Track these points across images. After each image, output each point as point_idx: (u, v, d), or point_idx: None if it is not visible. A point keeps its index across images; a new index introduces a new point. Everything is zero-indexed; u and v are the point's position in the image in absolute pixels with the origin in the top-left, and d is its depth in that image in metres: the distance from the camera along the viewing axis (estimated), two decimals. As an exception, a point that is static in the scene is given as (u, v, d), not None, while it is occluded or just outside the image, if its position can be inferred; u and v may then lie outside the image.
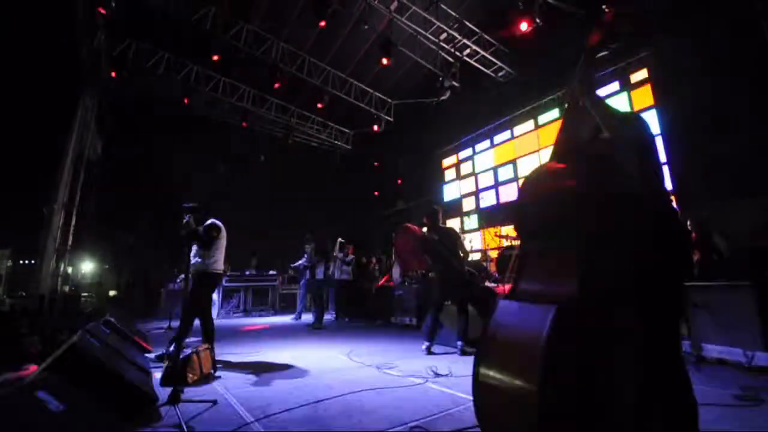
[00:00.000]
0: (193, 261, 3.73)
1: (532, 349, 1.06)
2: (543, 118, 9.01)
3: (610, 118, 1.46)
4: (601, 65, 1.67)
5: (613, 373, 1.16)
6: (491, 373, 1.18)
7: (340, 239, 8.02)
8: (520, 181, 9.10)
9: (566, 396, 1.06)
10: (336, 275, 7.87)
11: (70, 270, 9.96)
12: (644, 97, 6.90)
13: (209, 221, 3.87)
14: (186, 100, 9.66)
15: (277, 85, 9.03)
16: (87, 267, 15.84)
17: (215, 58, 7.66)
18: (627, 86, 7.23)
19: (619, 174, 1.35)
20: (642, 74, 7.01)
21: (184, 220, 3.74)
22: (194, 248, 3.80)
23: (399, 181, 13.10)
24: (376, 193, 14.06)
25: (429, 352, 3.98)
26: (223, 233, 3.94)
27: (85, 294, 11.88)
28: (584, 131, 1.55)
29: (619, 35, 1.52)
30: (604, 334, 1.15)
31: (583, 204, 1.23)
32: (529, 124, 9.28)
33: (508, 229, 8.36)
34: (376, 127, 10.80)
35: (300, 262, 7.70)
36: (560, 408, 1.04)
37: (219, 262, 3.87)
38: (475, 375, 1.21)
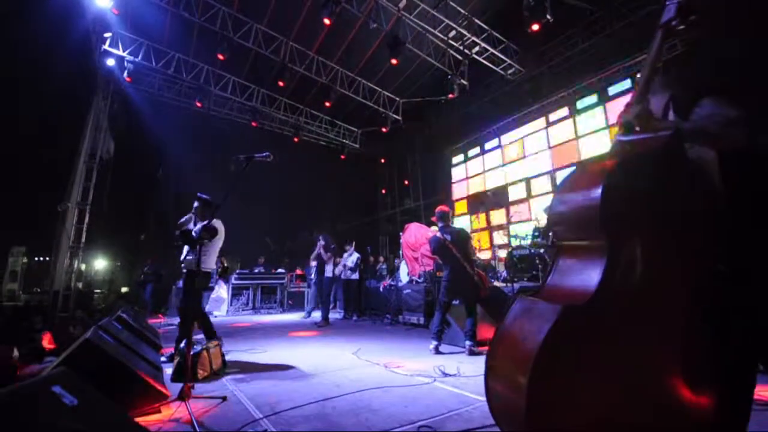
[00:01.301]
0: (188, 258, 3.80)
1: (531, 347, 1.07)
2: (553, 116, 8.93)
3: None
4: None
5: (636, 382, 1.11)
6: (497, 366, 1.22)
7: (347, 246, 7.91)
8: (530, 181, 8.94)
9: (560, 397, 1.06)
10: (342, 276, 7.85)
11: (83, 267, 10.15)
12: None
13: (207, 222, 3.67)
14: (199, 104, 9.77)
15: (328, 105, 9.38)
16: (100, 264, 16.15)
17: (221, 57, 7.71)
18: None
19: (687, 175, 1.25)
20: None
21: (184, 218, 3.90)
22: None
23: (406, 182, 13.09)
24: (383, 190, 14.06)
25: (437, 351, 3.97)
26: (220, 236, 3.92)
27: (98, 291, 12.12)
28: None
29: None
30: (639, 342, 1.12)
31: (621, 202, 1.17)
32: (540, 122, 9.20)
33: (517, 228, 8.30)
34: (385, 129, 10.80)
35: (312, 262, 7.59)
36: (552, 409, 1.04)
37: (208, 262, 3.87)
38: (486, 368, 1.25)
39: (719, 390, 1.19)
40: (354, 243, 8.04)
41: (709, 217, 1.22)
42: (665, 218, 1.21)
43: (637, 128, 1.32)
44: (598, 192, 1.16)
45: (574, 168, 1.48)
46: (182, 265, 3.86)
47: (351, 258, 7.80)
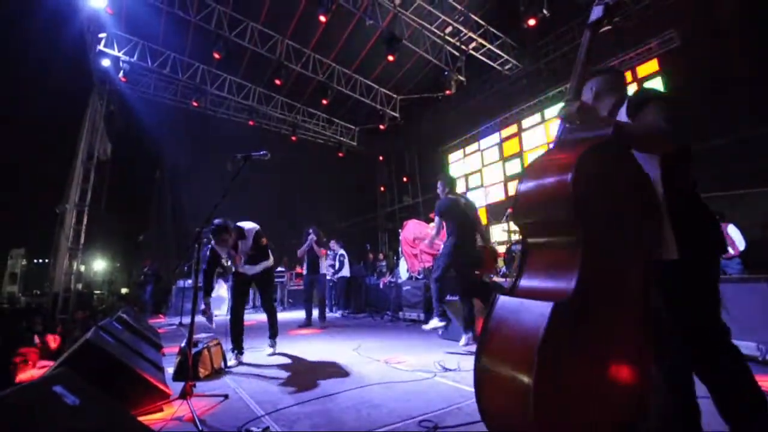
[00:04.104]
0: (255, 268, 3.87)
1: (530, 347, 1.09)
2: (550, 112, 8.91)
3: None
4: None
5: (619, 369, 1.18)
6: (490, 368, 1.23)
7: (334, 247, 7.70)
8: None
9: (564, 391, 1.09)
10: (329, 276, 7.73)
11: (82, 268, 10.14)
12: (655, 86, 6.78)
13: (251, 234, 3.76)
14: (195, 104, 9.73)
15: (325, 103, 9.35)
16: (99, 266, 16.16)
17: (216, 56, 7.66)
18: (635, 79, 7.09)
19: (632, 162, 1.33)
20: (652, 65, 6.88)
21: (249, 242, 3.76)
22: (249, 264, 3.84)
23: (405, 179, 13.07)
24: (382, 188, 14.05)
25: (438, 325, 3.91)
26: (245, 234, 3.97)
27: (98, 292, 12.13)
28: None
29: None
30: (609, 329, 1.19)
31: (586, 194, 1.21)
32: (536, 118, 9.19)
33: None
34: (382, 127, 10.78)
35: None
36: (557, 402, 1.07)
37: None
38: (476, 370, 1.26)
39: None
40: (341, 242, 7.91)
41: (651, 210, 1.30)
42: (622, 204, 1.28)
43: (577, 122, 1.40)
44: (569, 177, 1.19)
45: (530, 162, 1.50)
46: (251, 272, 3.91)
47: (337, 257, 7.72)
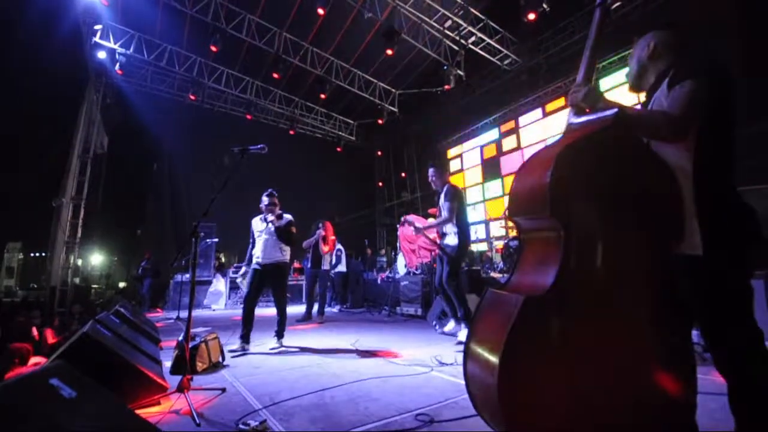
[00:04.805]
0: (269, 255, 3.99)
1: (500, 336, 1.14)
2: (550, 107, 8.89)
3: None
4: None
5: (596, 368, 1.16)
6: (473, 353, 1.30)
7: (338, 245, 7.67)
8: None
9: (540, 384, 1.13)
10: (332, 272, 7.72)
11: (80, 262, 10.11)
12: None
13: (288, 218, 4.09)
14: (193, 97, 9.65)
15: (323, 97, 9.33)
16: (96, 259, 16.12)
17: (214, 49, 7.59)
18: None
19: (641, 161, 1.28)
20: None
21: (284, 221, 4.07)
22: (267, 243, 3.99)
23: (403, 175, 13.05)
24: (380, 183, 14.03)
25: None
26: None
27: (96, 286, 12.11)
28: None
29: None
30: (603, 328, 1.18)
31: (568, 189, 1.21)
32: (536, 113, 9.17)
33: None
34: (381, 122, 10.73)
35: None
36: (530, 394, 1.11)
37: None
38: (465, 357, 1.32)
39: (681, 372, 1.24)
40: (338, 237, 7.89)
41: (666, 201, 1.24)
42: (618, 198, 1.24)
43: (587, 109, 1.36)
44: (547, 174, 1.21)
45: (527, 157, 1.50)
46: (264, 260, 3.98)
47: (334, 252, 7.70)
